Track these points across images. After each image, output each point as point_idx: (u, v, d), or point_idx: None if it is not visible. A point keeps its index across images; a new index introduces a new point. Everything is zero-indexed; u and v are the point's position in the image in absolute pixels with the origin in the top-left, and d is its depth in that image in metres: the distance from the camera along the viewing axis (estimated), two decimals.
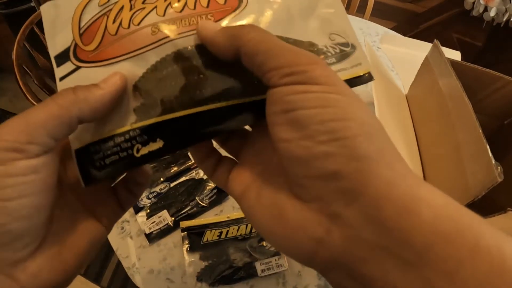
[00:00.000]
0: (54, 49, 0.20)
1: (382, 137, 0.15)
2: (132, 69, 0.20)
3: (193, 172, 0.59)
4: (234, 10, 0.21)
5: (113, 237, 0.54)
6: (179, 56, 0.20)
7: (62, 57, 0.20)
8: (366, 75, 0.21)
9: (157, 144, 0.19)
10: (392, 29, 0.98)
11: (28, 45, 0.87)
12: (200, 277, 0.48)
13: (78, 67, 0.20)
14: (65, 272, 0.19)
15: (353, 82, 0.21)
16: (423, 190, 0.14)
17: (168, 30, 0.20)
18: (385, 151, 0.15)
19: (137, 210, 0.55)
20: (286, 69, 0.16)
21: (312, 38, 0.22)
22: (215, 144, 0.24)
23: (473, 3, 1.44)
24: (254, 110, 0.20)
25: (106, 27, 0.20)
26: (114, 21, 0.20)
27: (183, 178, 0.58)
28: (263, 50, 0.16)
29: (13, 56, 0.82)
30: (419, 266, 0.12)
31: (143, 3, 0.20)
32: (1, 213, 0.16)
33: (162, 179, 0.58)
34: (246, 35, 0.17)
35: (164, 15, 0.20)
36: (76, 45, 0.20)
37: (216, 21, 0.20)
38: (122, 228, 0.55)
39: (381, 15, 1.67)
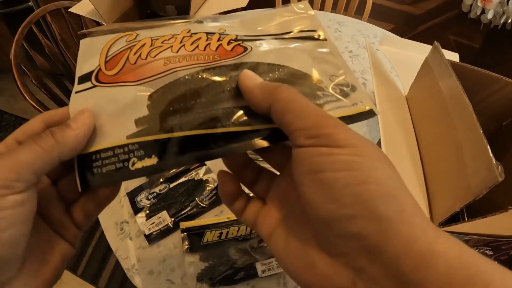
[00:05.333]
0: (80, 72, 0.24)
1: (401, 195, 0.16)
2: (141, 90, 0.22)
3: (192, 173, 0.59)
4: (237, 55, 0.24)
5: (112, 238, 0.53)
6: (181, 84, 0.22)
7: (85, 78, 0.23)
8: (368, 111, 0.22)
9: (152, 161, 0.21)
10: (390, 30, 0.98)
11: (26, 45, 0.87)
12: (200, 278, 0.48)
13: (94, 86, 0.23)
14: (45, 287, 0.21)
15: (355, 118, 0.22)
16: (439, 243, 0.15)
17: (177, 63, 0.23)
18: (404, 209, 0.16)
19: (137, 211, 0.55)
20: (312, 131, 0.17)
21: (315, 76, 0.24)
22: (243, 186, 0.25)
23: (471, 5, 1.45)
24: (251, 139, 0.21)
25: (128, 57, 0.24)
26: (135, 54, 0.24)
27: (182, 179, 0.58)
28: (291, 110, 0.18)
29: (11, 56, 0.81)
30: None
31: (162, 42, 0.24)
32: None
33: (161, 180, 0.58)
34: (279, 94, 0.19)
35: (177, 52, 0.24)
36: (99, 70, 0.23)
37: (222, 60, 0.23)
38: (122, 229, 0.54)
39: (379, 17, 1.68)
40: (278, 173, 0.24)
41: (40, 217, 0.22)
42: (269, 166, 0.25)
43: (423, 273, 0.14)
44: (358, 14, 1.17)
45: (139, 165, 0.20)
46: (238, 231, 0.52)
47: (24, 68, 0.83)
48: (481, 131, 0.33)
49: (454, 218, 0.38)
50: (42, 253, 0.21)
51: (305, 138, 0.17)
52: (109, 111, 0.22)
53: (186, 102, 0.22)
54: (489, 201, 0.39)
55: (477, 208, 0.40)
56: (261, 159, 0.25)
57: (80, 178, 0.21)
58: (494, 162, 0.30)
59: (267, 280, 0.48)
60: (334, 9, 1.26)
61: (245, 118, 0.21)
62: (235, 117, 0.21)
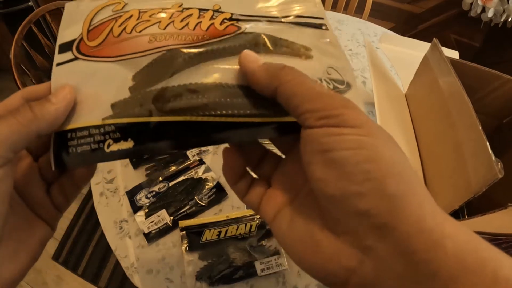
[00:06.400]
0: (61, 38, 0.23)
1: (411, 176, 0.16)
2: (123, 70, 0.21)
3: (191, 171, 0.59)
4: (229, 34, 0.22)
5: (112, 237, 0.53)
6: (166, 65, 0.21)
7: (66, 47, 0.22)
8: None
9: (128, 144, 0.20)
10: (390, 29, 0.98)
11: (26, 45, 0.87)
12: (199, 277, 0.48)
13: (76, 58, 0.22)
14: (21, 271, 0.21)
15: None
16: (449, 227, 0.15)
17: (163, 41, 0.22)
18: (413, 189, 0.16)
19: (136, 209, 0.55)
20: (321, 113, 0.17)
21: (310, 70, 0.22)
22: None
23: (471, 4, 1.45)
24: (236, 131, 0.20)
25: (112, 29, 0.22)
26: (120, 26, 0.22)
27: (181, 177, 0.58)
28: (299, 93, 0.18)
29: (11, 55, 0.81)
30: None
31: (150, 16, 0.23)
32: None
33: (160, 179, 0.58)
34: (285, 76, 0.18)
35: (164, 29, 0.22)
36: (81, 39, 0.22)
37: (211, 39, 0.22)
38: (121, 227, 0.54)
39: (379, 15, 1.68)
40: (283, 156, 0.24)
41: (20, 196, 0.22)
42: (275, 148, 0.24)
43: (433, 253, 0.14)
44: (358, 13, 1.16)
45: (114, 147, 0.20)
46: (237, 229, 0.52)
47: (24, 67, 0.83)
48: (481, 128, 0.33)
49: (454, 217, 0.38)
50: (19, 234, 0.21)
51: (314, 119, 0.17)
52: (90, 88, 0.21)
53: (168, 85, 0.21)
54: (489, 200, 0.38)
55: (477, 207, 0.40)
56: (267, 142, 0.24)
57: (55, 156, 0.20)
58: (494, 158, 0.30)
59: (266, 279, 0.48)
60: (334, 7, 1.25)
61: (232, 107, 0.20)
62: (220, 105, 0.20)
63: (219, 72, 0.21)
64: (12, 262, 0.20)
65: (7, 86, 1.82)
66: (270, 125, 0.21)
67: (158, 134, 0.20)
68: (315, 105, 0.17)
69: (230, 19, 0.23)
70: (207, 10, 0.24)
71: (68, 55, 0.22)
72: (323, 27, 0.24)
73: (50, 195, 0.23)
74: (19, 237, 0.21)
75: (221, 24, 0.23)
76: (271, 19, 0.24)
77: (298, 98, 0.18)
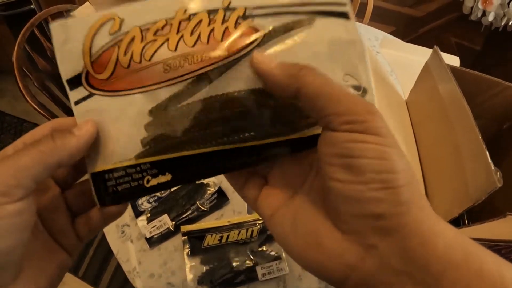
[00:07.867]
0: (65, 73, 0.21)
1: (415, 184, 0.17)
2: (143, 103, 0.21)
3: None
4: (247, 45, 0.21)
5: (113, 241, 0.54)
6: (189, 96, 0.21)
7: (74, 82, 0.21)
8: None
9: (166, 177, 0.21)
10: (391, 33, 0.98)
11: (28, 48, 0.87)
12: (200, 281, 0.48)
13: (91, 94, 0.21)
14: None
15: None
16: (439, 226, 0.17)
17: (178, 67, 0.20)
18: (417, 197, 0.17)
19: (138, 214, 0.55)
20: (347, 117, 0.17)
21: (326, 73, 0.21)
22: None
23: (472, 7, 1.45)
24: (262, 153, 0.21)
25: (118, 58, 0.21)
26: (125, 53, 0.21)
27: None
28: (324, 94, 0.18)
29: (14, 58, 0.82)
30: (435, 287, 0.15)
31: (154, 34, 0.21)
32: None
33: None
34: (306, 77, 0.18)
35: (175, 50, 0.20)
36: (87, 72, 0.21)
37: (230, 57, 0.21)
38: (123, 232, 0.55)
39: (380, 19, 1.68)
40: None
41: (43, 223, 0.22)
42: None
43: (426, 250, 0.16)
44: (359, 17, 1.17)
45: (154, 182, 0.21)
46: (238, 234, 0.52)
47: (26, 70, 0.84)
48: (480, 137, 0.33)
49: (455, 224, 0.38)
50: (39, 261, 0.21)
51: (338, 123, 0.17)
52: (113, 125, 0.21)
53: (193, 116, 0.21)
54: (490, 205, 0.39)
55: (478, 211, 0.40)
56: None
57: (98, 196, 0.21)
58: (493, 168, 0.30)
59: (267, 284, 0.49)
60: None
61: (258, 131, 0.21)
62: (246, 130, 0.21)
63: (240, 101, 0.21)
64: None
65: (9, 88, 1.83)
66: (292, 142, 0.21)
67: (193, 165, 0.21)
68: (339, 108, 0.17)
69: (244, 16, 0.21)
70: (217, 10, 0.21)
71: (81, 91, 0.21)
72: (346, 15, 0.22)
73: (75, 225, 0.23)
74: (39, 264, 0.21)
75: (236, 26, 0.21)
76: (289, 11, 0.21)
77: (322, 100, 0.18)
